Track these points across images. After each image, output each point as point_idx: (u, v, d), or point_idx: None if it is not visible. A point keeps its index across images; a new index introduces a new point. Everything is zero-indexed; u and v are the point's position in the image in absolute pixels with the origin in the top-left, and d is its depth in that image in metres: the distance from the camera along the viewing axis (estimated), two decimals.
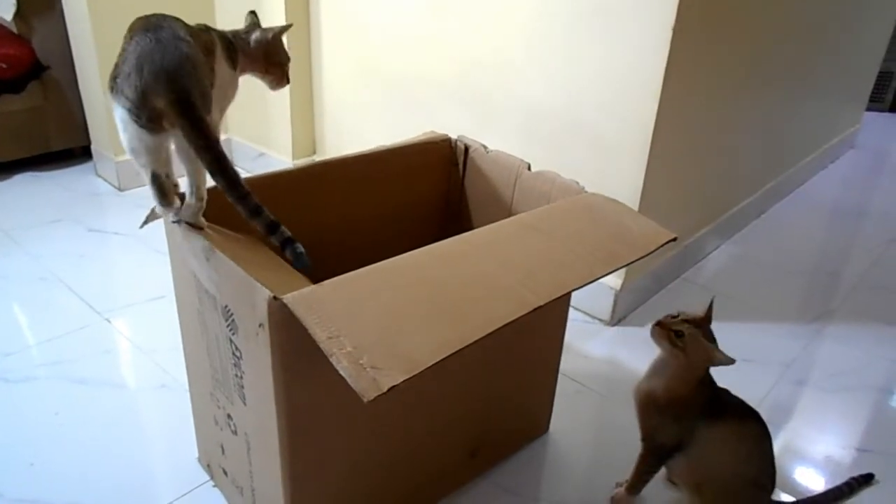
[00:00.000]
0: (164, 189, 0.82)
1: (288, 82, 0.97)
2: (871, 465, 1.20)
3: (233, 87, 0.91)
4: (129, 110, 0.75)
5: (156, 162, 0.80)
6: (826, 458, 1.22)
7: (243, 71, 0.92)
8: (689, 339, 0.92)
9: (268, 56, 0.93)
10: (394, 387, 0.61)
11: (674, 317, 0.95)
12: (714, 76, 1.57)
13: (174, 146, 0.79)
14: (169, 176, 0.84)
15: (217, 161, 0.75)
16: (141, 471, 1.13)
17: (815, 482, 1.17)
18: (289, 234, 0.78)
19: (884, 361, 1.51)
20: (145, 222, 0.94)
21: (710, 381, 0.98)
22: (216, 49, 0.86)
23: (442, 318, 0.70)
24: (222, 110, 0.90)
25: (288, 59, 0.96)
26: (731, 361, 0.90)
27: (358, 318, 0.68)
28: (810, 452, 1.23)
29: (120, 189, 2.16)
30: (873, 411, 1.36)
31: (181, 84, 0.73)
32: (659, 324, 0.94)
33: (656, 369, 1.00)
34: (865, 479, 1.13)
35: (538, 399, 1.20)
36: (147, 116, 0.74)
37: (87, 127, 2.26)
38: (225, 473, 1.03)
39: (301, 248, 0.78)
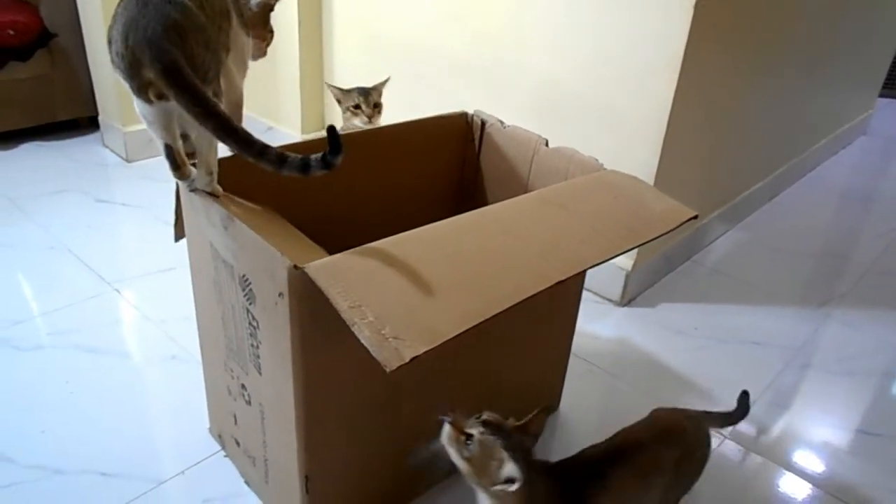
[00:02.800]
0: (176, 160, 0.81)
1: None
2: (879, 449, 1.21)
3: (249, 53, 0.90)
4: (123, 79, 0.73)
5: (164, 132, 0.78)
6: (832, 440, 1.23)
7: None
8: (477, 444, 0.73)
9: (266, 23, 0.92)
10: (415, 357, 0.61)
11: (477, 417, 0.76)
12: (732, 58, 1.55)
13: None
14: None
15: (222, 126, 0.70)
16: (152, 440, 1.13)
17: (821, 463, 1.17)
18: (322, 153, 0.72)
19: (892, 347, 1.50)
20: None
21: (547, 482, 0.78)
22: (231, 16, 0.84)
23: (463, 291, 0.70)
24: (242, 77, 0.89)
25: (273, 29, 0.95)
26: (511, 483, 0.71)
27: (379, 289, 0.68)
28: (817, 435, 1.24)
29: (127, 160, 2.14)
30: (881, 395, 1.36)
31: (166, 53, 0.68)
32: (452, 424, 0.76)
33: None
34: (744, 399, 1.08)
35: (550, 377, 1.20)
36: (137, 86, 0.72)
37: (94, 97, 2.24)
38: (237, 444, 1.03)
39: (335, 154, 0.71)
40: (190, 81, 0.69)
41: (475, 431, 0.73)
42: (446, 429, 0.75)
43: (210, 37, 0.75)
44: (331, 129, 0.71)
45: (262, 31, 0.92)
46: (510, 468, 0.71)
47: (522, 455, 0.73)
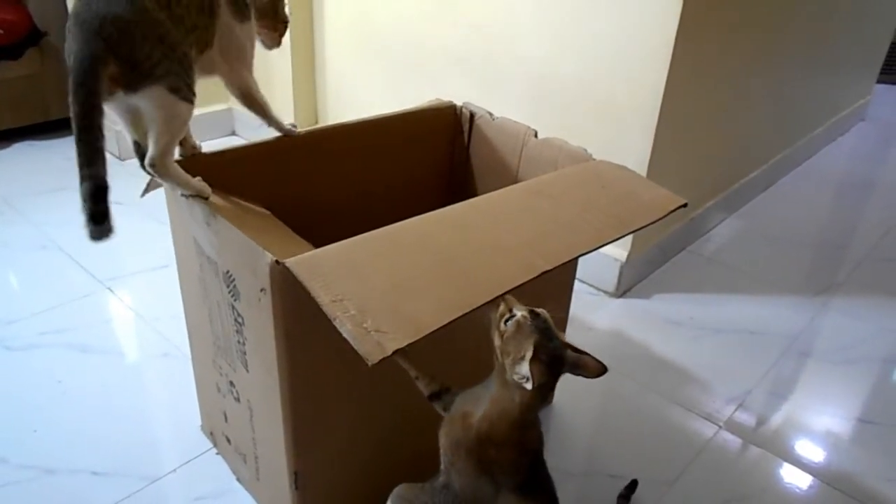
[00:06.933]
0: (143, 156, 0.80)
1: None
2: (876, 436, 1.20)
3: (251, 41, 0.89)
4: None
5: (129, 128, 0.79)
6: (830, 429, 1.22)
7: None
8: (513, 325, 0.69)
9: (277, 13, 0.91)
10: (398, 350, 0.60)
11: (539, 318, 0.70)
12: (725, 45, 1.54)
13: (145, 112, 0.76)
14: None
15: (78, 132, 0.69)
16: (144, 438, 1.13)
17: (819, 453, 1.17)
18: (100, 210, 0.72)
19: (890, 334, 1.49)
20: (146, 191, 0.93)
21: (536, 438, 0.77)
22: (218, 11, 0.83)
23: (447, 282, 0.69)
24: (247, 66, 0.89)
25: (288, 18, 0.94)
26: (524, 380, 0.67)
27: (362, 282, 0.67)
28: (814, 423, 1.23)
29: (120, 158, 2.13)
30: (878, 383, 1.35)
31: (86, 49, 0.68)
32: (505, 299, 0.71)
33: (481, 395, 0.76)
34: (630, 489, 1.04)
35: None
36: None
37: None
38: (228, 441, 1.03)
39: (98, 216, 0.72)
40: (87, 83, 0.68)
41: (519, 313, 0.69)
42: (502, 304, 0.71)
43: (166, 32, 0.73)
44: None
45: (272, 21, 0.92)
46: (525, 369, 0.66)
47: (550, 363, 0.68)
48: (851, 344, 1.45)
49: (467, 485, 0.76)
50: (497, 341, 0.71)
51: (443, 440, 0.78)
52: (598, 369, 0.72)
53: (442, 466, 0.79)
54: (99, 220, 0.72)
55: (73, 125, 0.70)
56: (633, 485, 1.05)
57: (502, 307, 0.71)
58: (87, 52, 0.68)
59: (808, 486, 1.10)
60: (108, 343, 1.35)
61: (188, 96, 0.77)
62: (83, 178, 0.71)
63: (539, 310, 0.71)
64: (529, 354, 0.67)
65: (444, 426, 0.78)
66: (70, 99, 0.69)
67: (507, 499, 0.75)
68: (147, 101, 0.74)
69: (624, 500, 1.03)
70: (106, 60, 0.69)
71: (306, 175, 1.05)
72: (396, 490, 0.81)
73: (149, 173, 0.82)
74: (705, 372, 1.34)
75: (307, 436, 0.84)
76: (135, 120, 0.78)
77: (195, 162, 0.87)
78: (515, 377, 0.68)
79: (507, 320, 0.70)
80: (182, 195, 0.83)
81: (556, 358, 0.69)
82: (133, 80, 0.72)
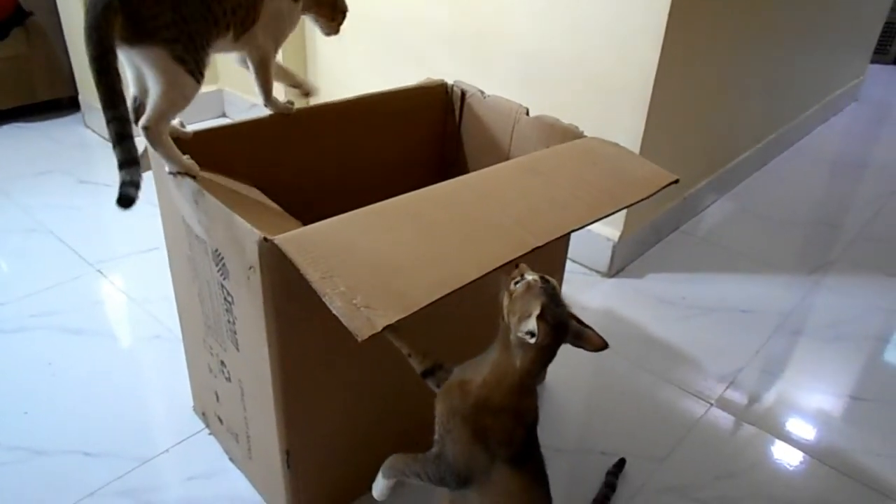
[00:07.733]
0: (139, 111, 0.81)
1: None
2: (866, 413, 1.21)
3: (292, 20, 0.91)
4: None
5: (134, 83, 0.79)
6: (822, 406, 1.23)
7: (307, 10, 0.93)
8: (522, 286, 0.70)
9: (336, 4, 0.95)
10: (389, 326, 0.60)
11: (549, 284, 0.72)
12: (718, 23, 1.52)
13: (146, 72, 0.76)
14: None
15: (97, 73, 0.71)
16: (136, 420, 1.12)
17: (809, 430, 1.17)
18: (132, 156, 0.75)
19: (881, 312, 1.50)
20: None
21: (533, 409, 0.77)
22: None
23: (438, 259, 0.69)
24: (277, 42, 0.92)
25: (347, 8, 0.97)
26: (529, 336, 0.68)
27: (351, 258, 0.66)
28: (806, 400, 1.24)
29: (109, 140, 2.11)
30: (869, 360, 1.36)
31: (105, 3, 0.69)
32: (518, 265, 0.73)
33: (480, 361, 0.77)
34: (619, 467, 1.06)
35: None
36: None
37: (73, 76, 2.20)
38: (220, 421, 1.03)
39: (130, 184, 0.76)
40: (99, 27, 0.69)
41: (529, 276, 0.71)
42: (515, 268, 0.73)
43: (184, 2, 0.73)
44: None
45: (328, 10, 0.96)
46: (532, 324, 0.67)
47: (554, 326, 0.69)
48: (843, 322, 1.46)
49: (461, 453, 0.76)
50: (505, 301, 0.71)
51: (439, 408, 0.78)
52: (600, 343, 0.72)
53: (436, 436, 0.79)
54: (126, 198, 0.77)
55: (91, 69, 0.71)
56: (620, 463, 1.05)
57: (514, 271, 0.72)
58: (98, 9, 0.69)
59: (798, 463, 1.11)
60: (98, 325, 1.34)
61: (194, 72, 0.77)
62: (108, 120, 0.74)
63: (549, 277, 0.72)
64: (537, 311, 0.67)
65: (441, 394, 0.78)
66: (85, 43, 0.70)
67: (500, 469, 0.75)
68: (147, 61, 0.74)
69: (612, 477, 1.03)
70: (116, 8, 0.70)
71: (296, 153, 1.04)
72: (388, 461, 0.81)
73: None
74: (697, 350, 1.34)
75: (298, 414, 0.84)
76: (139, 77, 0.78)
77: (183, 140, 0.86)
78: (520, 334, 0.69)
79: (517, 283, 0.71)
80: (169, 172, 0.82)
81: (561, 323, 0.70)
82: (133, 34, 0.72)
